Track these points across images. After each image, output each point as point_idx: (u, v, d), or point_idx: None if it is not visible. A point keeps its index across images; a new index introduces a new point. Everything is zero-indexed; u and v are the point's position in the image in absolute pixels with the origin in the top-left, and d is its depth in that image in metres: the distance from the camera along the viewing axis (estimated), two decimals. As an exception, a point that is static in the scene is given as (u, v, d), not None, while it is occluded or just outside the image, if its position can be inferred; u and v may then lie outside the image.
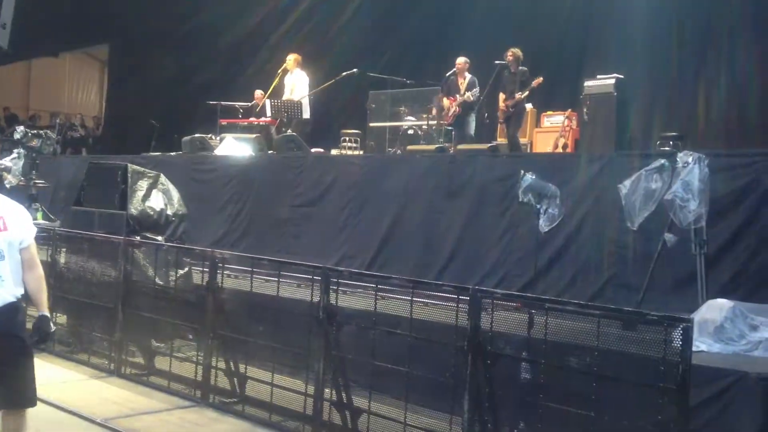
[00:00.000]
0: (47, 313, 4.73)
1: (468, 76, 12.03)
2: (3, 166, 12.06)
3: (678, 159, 6.61)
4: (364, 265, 9.22)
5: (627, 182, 6.84)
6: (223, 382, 7.18)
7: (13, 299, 4.58)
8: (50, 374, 7.48)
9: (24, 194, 11.45)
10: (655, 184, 6.63)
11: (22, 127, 12.21)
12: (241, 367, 7.09)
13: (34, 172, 11.31)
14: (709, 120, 11.14)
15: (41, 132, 11.93)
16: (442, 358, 5.71)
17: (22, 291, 4.64)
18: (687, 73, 11.44)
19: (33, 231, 4.77)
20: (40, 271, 4.75)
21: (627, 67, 10.87)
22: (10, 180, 11.71)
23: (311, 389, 6.32)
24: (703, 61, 11.24)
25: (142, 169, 9.32)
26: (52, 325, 4.83)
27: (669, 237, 6.60)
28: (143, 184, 9.00)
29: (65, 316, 8.65)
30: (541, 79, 11.06)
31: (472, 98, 11.78)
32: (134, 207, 8.77)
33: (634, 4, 11.99)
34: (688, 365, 4.47)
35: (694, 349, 4.63)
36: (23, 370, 4.58)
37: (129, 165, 9.12)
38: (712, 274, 6.65)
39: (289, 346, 6.81)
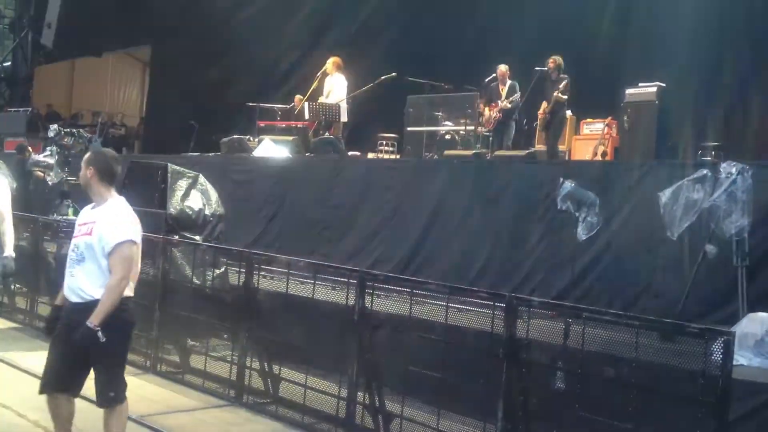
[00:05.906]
0: None
1: (509, 82, 12.05)
2: (45, 164, 12.28)
3: (721, 169, 6.51)
4: (398, 269, 9.21)
5: (668, 191, 6.74)
6: (257, 382, 7.21)
7: (78, 300, 4.79)
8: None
9: (57, 191, 11.65)
10: (697, 195, 6.53)
11: (55, 126, 12.39)
12: (275, 368, 7.12)
13: (66, 169, 11.46)
14: (750, 130, 10.96)
15: (74, 130, 12.10)
16: (476, 364, 5.68)
17: (97, 295, 4.73)
18: (730, 82, 11.27)
19: (116, 239, 4.74)
20: (113, 280, 4.76)
21: (669, 76, 10.73)
22: (52, 177, 11.91)
23: (344, 392, 6.33)
24: (748, 71, 11.06)
25: (182, 169, 9.37)
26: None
27: (710, 248, 6.51)
28: (182, 184, 9.07)
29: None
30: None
31: (509, 105, 11.78)
32: (173, 206, 8.84)
33: (677, 12, 11.85)
34: (728, 379, 4.41)
35: (733, 362, 4.56)
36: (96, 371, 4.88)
37: (169, 165, 9.18)
38: (753, 287, 6.54)
39: (323, 348, 6.84)
